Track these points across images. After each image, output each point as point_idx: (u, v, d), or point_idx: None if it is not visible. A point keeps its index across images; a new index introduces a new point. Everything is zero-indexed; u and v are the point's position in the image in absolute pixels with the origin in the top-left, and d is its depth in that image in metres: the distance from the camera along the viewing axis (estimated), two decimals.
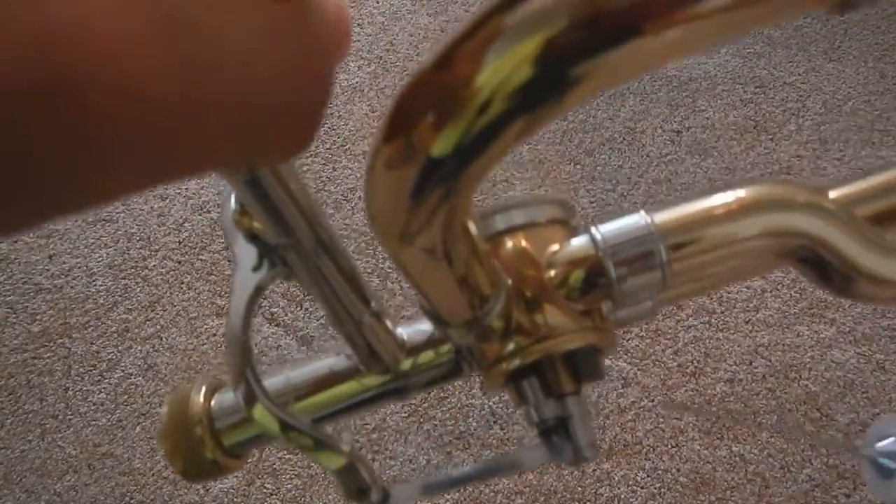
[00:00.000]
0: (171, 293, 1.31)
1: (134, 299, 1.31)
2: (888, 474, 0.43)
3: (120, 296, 1.31)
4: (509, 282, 0.27)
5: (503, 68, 0.15)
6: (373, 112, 1.48)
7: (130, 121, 0.10)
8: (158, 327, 1.27)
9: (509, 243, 0.28)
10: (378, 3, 1.64)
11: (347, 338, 0.29)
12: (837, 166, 1.35)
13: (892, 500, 0.43)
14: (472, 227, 0.23)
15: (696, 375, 1.16)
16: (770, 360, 1.17)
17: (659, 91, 1.46)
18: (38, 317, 1.30)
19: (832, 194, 0.28)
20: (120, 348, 1.26)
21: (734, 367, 1.17)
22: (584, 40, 0.14)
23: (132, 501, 1.14)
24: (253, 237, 0.26)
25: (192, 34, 0.11)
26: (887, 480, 0.43)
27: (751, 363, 1.17)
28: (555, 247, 0.28)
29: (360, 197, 1.37)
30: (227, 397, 0.32)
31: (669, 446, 1.11)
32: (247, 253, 0.27)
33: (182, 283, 1.31)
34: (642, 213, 0.27)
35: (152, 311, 1.29)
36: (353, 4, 1.64)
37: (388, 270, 1.28)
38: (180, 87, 0.11)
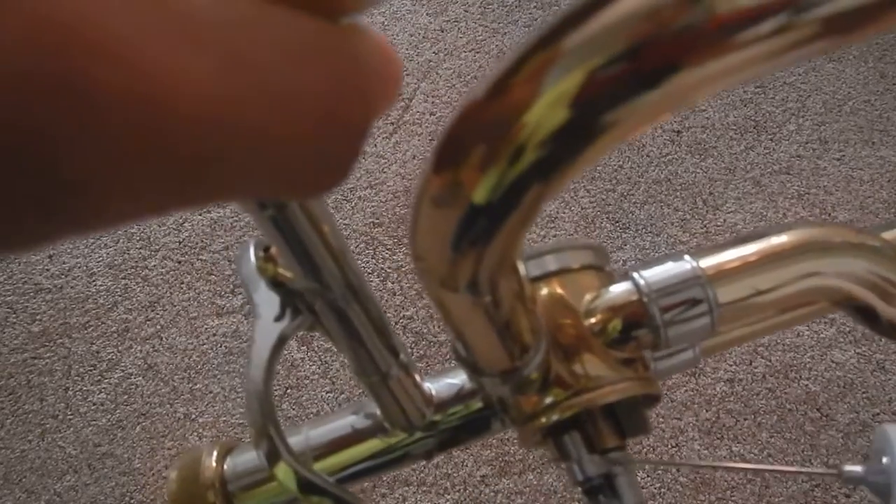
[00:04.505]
0: (171, 293, 1.31)
1: (134, 299, 1.31)
2: (885, 493, 0.40)
3: (120, 296, 1.31)
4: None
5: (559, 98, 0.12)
6: None
7: (143, 125, 0.09)
8: (158, 327, 1.27)
9: (544, 290, 0.26)
10: None
11: (371, 390, 0.28)
12: (837, 166, 1.35)
13: None
14: (521, 268, 0.21)
15: (696, 375, 1.16)
16: (770, 360, 1.17)
17: None
18: (38, 317, 1.30)
19: (886, 235, 0.27)
20: (120, 348, 1.26)
21: (734, 367, 1.17)
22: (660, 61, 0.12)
23: (132, 501, 1.14)
24: (277, 284, 0.25)
25: (222, 37, 0.09)
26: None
27: (751, 363, 1.17)
28: (592, 293, 0.26)
29: (359, 197, 1.37)
30: (241, 460, 0.31)
31: (669, 446, 1.11)
32: (268, 302, 0.25)
33: (182, 283, 1.31)
34: (686, 257, 0.26)
35: (152, 311, 1.29)
36: None
37: (388, 270, 1.28)
38: (211, 89, 0.09)
